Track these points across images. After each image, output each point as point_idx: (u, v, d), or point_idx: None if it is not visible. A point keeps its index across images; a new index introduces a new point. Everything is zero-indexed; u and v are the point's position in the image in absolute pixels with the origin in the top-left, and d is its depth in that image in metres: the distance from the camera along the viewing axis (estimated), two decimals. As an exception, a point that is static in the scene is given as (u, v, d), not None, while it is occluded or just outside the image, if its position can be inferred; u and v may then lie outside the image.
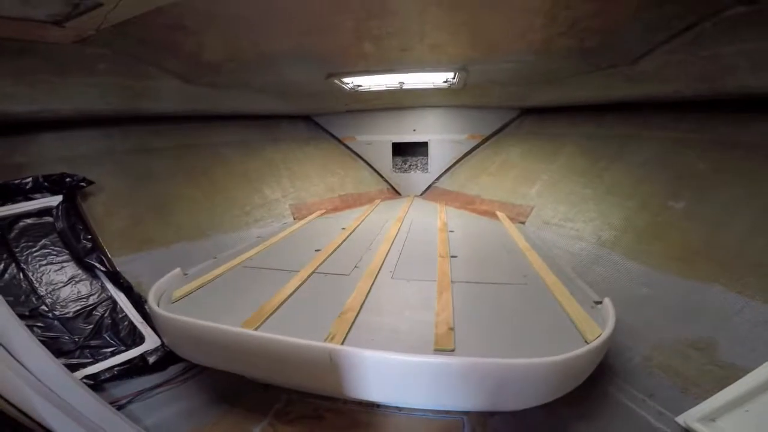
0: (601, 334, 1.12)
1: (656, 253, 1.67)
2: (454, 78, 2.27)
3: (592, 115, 2.70)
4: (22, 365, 1.19)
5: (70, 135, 2.02)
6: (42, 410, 1.15)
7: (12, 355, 1.16)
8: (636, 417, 1.26)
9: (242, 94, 2.55)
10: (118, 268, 1.76)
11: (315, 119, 3.87)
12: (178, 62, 1.87)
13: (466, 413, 1.46)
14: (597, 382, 1.38)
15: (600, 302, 1.35)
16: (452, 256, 1.83)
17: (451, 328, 1.20)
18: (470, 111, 3.56)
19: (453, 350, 1.09)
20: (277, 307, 1.36)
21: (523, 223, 2.51)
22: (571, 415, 1.38)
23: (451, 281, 1.54)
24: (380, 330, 1.22)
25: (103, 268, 1.71)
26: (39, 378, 1.21)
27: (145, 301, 1.66)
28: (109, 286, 1.73)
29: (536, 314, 1.31)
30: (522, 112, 3.50)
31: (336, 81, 2.32)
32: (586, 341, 1.12)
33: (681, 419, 1.12)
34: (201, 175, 2.58)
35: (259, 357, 1.17)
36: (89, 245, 1.73)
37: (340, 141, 3.90)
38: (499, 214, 2.68)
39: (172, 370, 1.66)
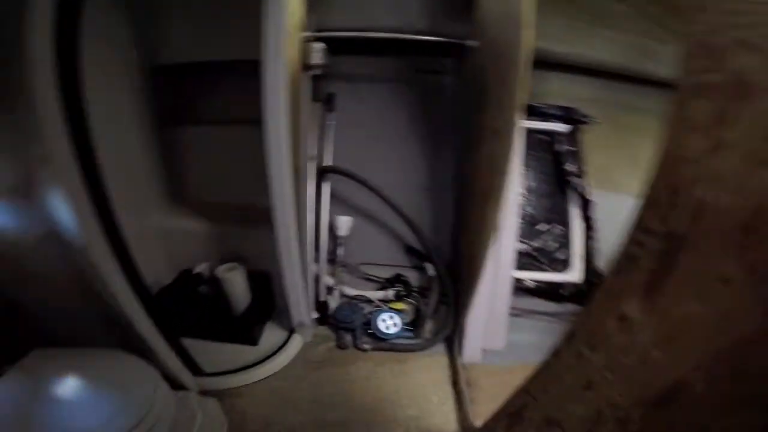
0: None
1: None
2: None
3: None
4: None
5: (573, 78, 2.23)
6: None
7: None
8: None
9: None
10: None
11: None
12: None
13: None
14: None
15: None
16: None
17: None
18: None
19: None
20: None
21: None
22: None
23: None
24: None
25: (581, 192, 1.96)
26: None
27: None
28: (572, 211, 1.99)
29: None
30: None
31: None
32: None
33: None
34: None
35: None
36: (576, 170, 1.99)
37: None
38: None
39: (563, 307, 1.86)
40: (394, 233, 2.04)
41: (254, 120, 1.42)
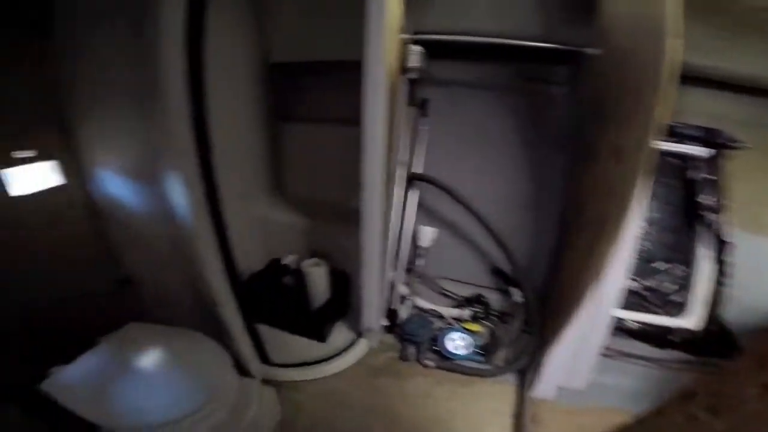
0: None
1: None
2: None
3: None
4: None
5: (718, 95, 1.91)
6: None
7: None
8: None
9: None
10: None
11: None
12: None
13: None
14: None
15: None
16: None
17: None
18: None
19: None
20: None
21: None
22: None
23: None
24: None
25: (717, 230, 1.67)
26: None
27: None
28: (701, 251, 1.72)
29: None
30: None
31: None
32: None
33: None
34: None
35: None
36: (713, 203, 1.69)
37: None
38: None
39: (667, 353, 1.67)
40: (480, 251, 1.91)
41: (352, 120, 1.42)
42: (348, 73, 1.64)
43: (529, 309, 1.68)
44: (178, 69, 1.00)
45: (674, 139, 1.72)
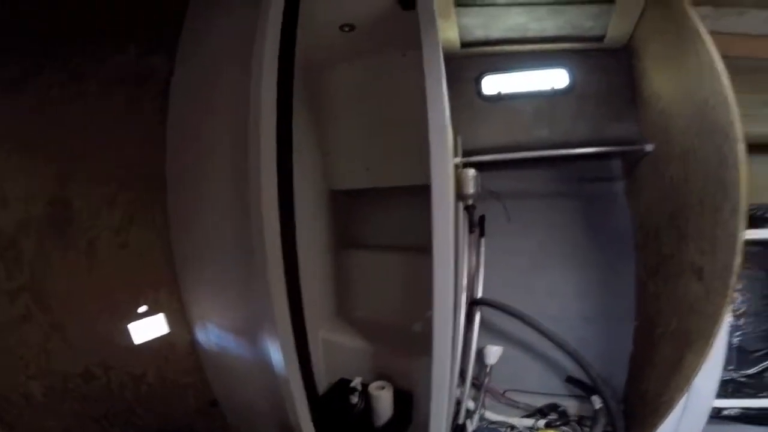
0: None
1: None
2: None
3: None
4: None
5: None
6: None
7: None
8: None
9: None
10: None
11: None
12: None
13: None
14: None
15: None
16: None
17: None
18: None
19: None
20: None
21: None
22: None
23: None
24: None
25: None
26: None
27: None
28: None
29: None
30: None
31: None
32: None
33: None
34: None
35: None
36: None
37: None
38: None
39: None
40: (550, 361, 1.82)
41: (411, 247, 1.46)
42: (405, 199, 1.74)
43: (611, 413, 1.59)
44: (275, 237, 1.11)
45: (758, 225, 1.61)
